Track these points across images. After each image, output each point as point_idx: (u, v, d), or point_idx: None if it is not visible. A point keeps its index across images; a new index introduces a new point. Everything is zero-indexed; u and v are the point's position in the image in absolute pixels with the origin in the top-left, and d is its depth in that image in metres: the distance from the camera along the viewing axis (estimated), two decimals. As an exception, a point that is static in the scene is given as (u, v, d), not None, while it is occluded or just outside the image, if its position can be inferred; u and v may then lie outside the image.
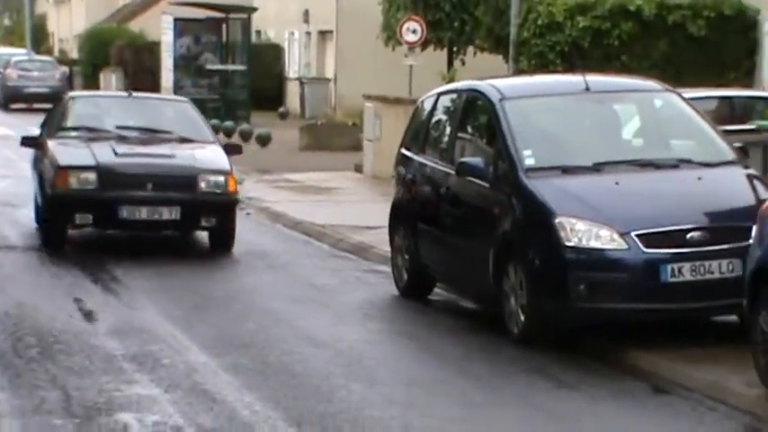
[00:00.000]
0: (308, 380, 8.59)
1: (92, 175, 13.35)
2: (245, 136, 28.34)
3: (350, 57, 38.51)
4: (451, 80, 21.15)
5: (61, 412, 7.76)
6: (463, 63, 31.22)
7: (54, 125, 14.77)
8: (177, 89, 33.96)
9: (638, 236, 9.20)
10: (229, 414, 7.79)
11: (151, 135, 14.46)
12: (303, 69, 42.18)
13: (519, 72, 21.07)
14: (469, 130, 11.12)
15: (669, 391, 8.40)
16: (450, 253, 10.82)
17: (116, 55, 47.33)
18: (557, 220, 9.34)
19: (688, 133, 10.53)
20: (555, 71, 19.43)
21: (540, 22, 21.28)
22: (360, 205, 18.21)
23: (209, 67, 35.20)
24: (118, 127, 14.46)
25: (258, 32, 44.07)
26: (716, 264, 9.19)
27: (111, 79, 45.87)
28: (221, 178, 13.58)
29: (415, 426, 7.66)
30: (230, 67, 35.09)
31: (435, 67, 27.07)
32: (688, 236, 9.23)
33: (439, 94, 11.79)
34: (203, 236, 14.28)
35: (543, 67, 20.77)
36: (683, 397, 8.25)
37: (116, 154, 13.62)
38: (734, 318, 9.54)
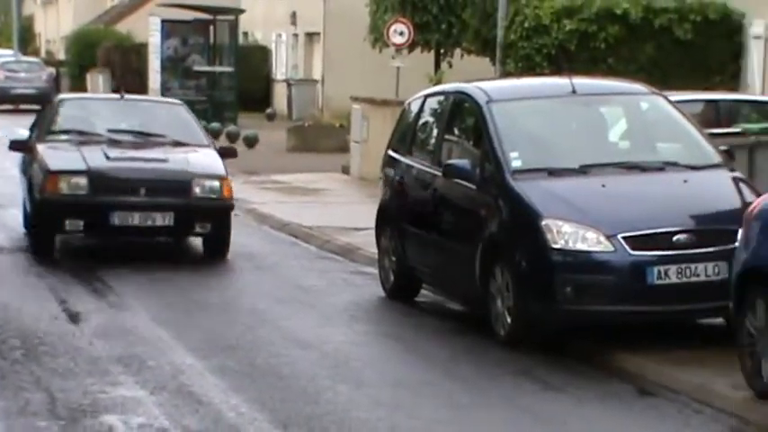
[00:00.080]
0: (294, 381, 8.58)
1: (82, 180, 13.03)
2: (233, 137, 28.32)
3: (337, 58, 38.51)
4: (438, 82, 21.16)
5: (46, 414, 7.74)
6: (450, 65, 31.23)
7: (43, 128, 14.40)
8: (164, 91, 33.93)
9: (624, 238, 9.21)
10: (215, 416, 7.77)
11: (144, 139, 14.12)
12: (290, 71, 42.17)
13: (506, 74, 21.10)
14: (456, 132, 11.12)
15: (655, 393, 8.41)
16: (437, 255, 10.82)
17: (103, 56, 47.27)
18: (543, 222, 9.35)
19: (674, 136, 10.55)
20: (542, 74, 19.45)
21: (526, 24, 21.30)
22: (347, 207, 18.20)
23: (196, 68, 35.16)
24: (109, 130, 14.13)
25: (245, 34, 44.06)
26: (702, 266, 9.21)
27: (98, 80, 45.81)
28: (216, 183, 13.28)
29: (401, 427, 7.66)
30: (218, 68, 35.05)
31: (422, 69, 27.08)
32: (674, 238, 9.24)
33: (426, 96, 11.79)
34: (193, 239, 14.16)
35: (530, 69, 20.79)
36: (670, 399, 8.26)
37: (108, 158, 13.29)
38: (720, 320, 9.56)
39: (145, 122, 14.50)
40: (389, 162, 12.00)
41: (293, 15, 42.18)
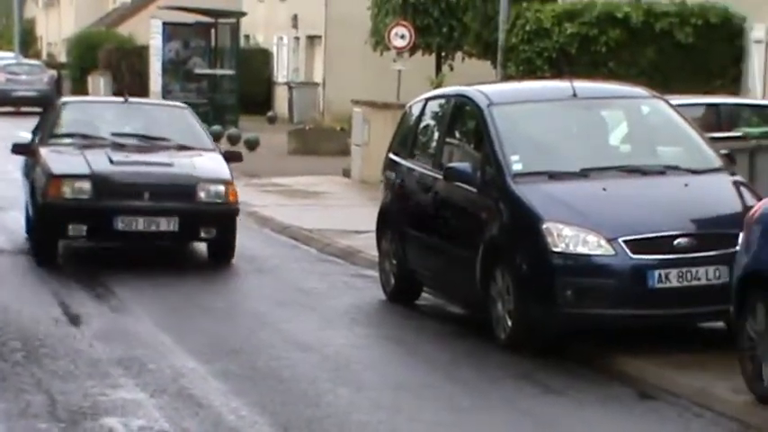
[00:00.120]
0: (295, 385, 8.58)
1: (86, 184, 12.81)
2: (234, 140, 28.32)
3: (338, 62, 38.53)
4: (439, 85, 21.16)
5: (46, 416, 7.74)
6: (451, 68, 31.27)
7: (46, 132, 14.18)
8: (165, 93, 33.94)
9: (625, 242, 9.21)
10: (215, 419, 7.78)
11: (148, 142, 13.91)
12: (291, 74, 42.20)
13: (507, 78, 21.10)
14: (457, 135, 11.13)
15: (656, 396, 8.41)
16: (438, 258, 10.82)
17: (104, 59, 47.30)
18: (544, 226, 9.35)
19: (675, 140, 10.55)
20: (543, 77, 19.45)
21: (528, 28, 21.31)
22: (348, 210, 18.21)
23: (197, 71, 35.18)
24: (113, 134, 13.90)
25: (247, 37, 44.09)
26: (703, 270, 9.21)
27: (99, 83, 45.84)
28: (221, 187, 13.08)
29: (402, 430, 7.66)
30: (219, 71, 35.07)
31: (423, 73, 27.10)
32: (675, 242, 9.24)
33: (427, 100, 11.80)
34: (197, 243, 13.96)
35: (531, 73, 20.79)
36: (670, 403, 8.26)
37: (111, 162, 13.08)
38: (721, 324, 9.56)
39: (149, 126, 14.31)
40: (390, 165, 12.00)
41: (294, 18, 42.21)
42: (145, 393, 8.29)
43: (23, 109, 43.22)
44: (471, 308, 10.57)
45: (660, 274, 9.16)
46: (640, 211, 9.49)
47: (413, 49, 29.28)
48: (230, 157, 13.99)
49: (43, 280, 12.54)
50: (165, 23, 35.74)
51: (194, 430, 7.53)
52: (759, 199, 9.04)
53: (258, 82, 41.79)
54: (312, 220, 16.71)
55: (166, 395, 8.26)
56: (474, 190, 10.13)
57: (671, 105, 10.79)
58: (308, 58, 42.02)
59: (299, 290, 12.48)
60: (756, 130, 13.87)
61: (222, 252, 13.43)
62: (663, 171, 10.04)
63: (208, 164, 13.45)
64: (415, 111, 11.87)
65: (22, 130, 29.93)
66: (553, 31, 20.99)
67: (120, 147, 13.56)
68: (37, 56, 63.72)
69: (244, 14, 37.57)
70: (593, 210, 9.47)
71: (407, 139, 11.86)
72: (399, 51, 27.57)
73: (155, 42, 36.29)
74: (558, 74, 19.40)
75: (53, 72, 46.64)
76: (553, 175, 9.85)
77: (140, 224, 12.75)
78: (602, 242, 9.23)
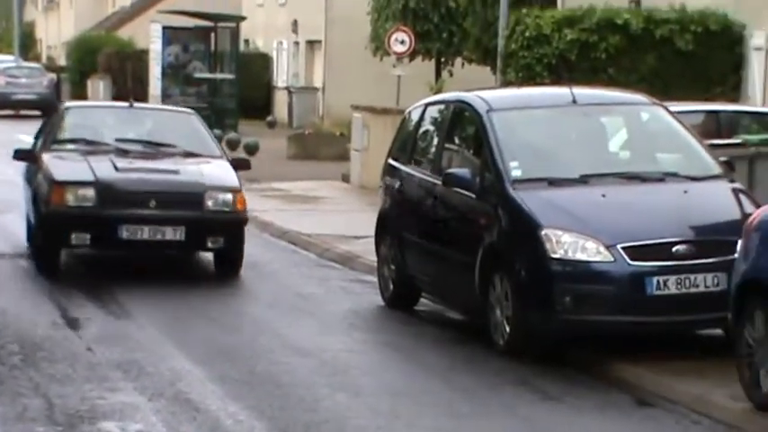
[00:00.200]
0: (293, 389, 8.57)
1: (90, 192, 12.41)
2: (233, 145, 28.32)
3: (338, 67, 38.55)
4: (439, 91, 21.17)
5: (44, 420, 7.73)
6: (451, 74, 31.28)
7: (49, 137, 13.79)
8: (165, 97, 33.94)
9: (623, 248, 9.21)
10: (213, 423, 7.77)
11: (154, 149, 13.50)
12: (291, 79, 42.21)
13: (506, 84, 21.10)
14: (456, 141, 11.13)
15: (654, 403, 8.41)
16: (437, 264, 10.81)
17: (104, 62, 47.33)
18: (543, 232, 9.35)
19: (674, 147, 10.55)
20: (542, 83, 19.45)
21: (527, 34, 21.31)
22: (347, 215, 18.21)
23: (197, 75, 35.17)
24: (118, 140, 13.53)
25: (247, 41, 44.10)
26: (701, 277, 9.21)
27: (98, 87, 45.85)
28: (229, 196, 12.64)
29: (399, 436, 7.65)
30: (218, 75, 35.07)
31: (423, 78, 27.10)
32: (674, 249, 9.24)
33: (426, 105, 11.80)
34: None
35: (531, 79, 20.79)
36: (668, 410, 8.26)
37: (116, 169, 12.68)
38: (719, 331, 9.55)
39: (154, 132, 13.95)
40: (389, 171, 12.00)
41: (294, 23, 42.23)
42: (143, 397, 8.28)
43: (23, 112, 43.24)
44: (470, 314, 10.56)
45: (659, 281, 9.15)
46: (639, 217, 9.49)
47: (412, 55, 29.28)
48: (238, 165, 13.55)
49: (41, 283, 12.52)
50: (164, 27, 35.74)
51: (192, 435, 7.53)
52: (758, 206, 9.04)
53: (258, 86, 41.79)
54: (311, 225, 16.71)
55: (164, 399, 8.25)
56: (473, 196, 10.13)
57: (670, 112, 10.80)
58: (308, 63, 42.03)
59: (298, 295, 12.47)
60: (756, 137, 13.90)
61: (229, 262, 13.04)
62: (662, 178, 10.05)
63: (215, 171, 13.06)
64: (415, 116, 11.87)
65: (22, 133, 29.94)
66: (553, 38, 21.00)
67: (124, 153, 13.20)
68: (37, 59, 63.75)
69: (243, 19, 37.58)
70: (592, 216, 9.47)
71: (407, 144, 11.86)
72: (399, 57, 27.58)
73: (154, 46, 36.29)
74: (557, 80, 19.40)
75: (53, 75, 46.65)
76: (552, 182, 9.85)
77: (146, 233, 12.38)
78: (601, 249, 9.23)
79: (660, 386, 8.60)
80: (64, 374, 8.82)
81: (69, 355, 9.44)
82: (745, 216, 8.98)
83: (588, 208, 9.57)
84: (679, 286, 9.18)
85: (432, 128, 11.55)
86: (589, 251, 9.24)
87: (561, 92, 10.88)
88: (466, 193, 10.21)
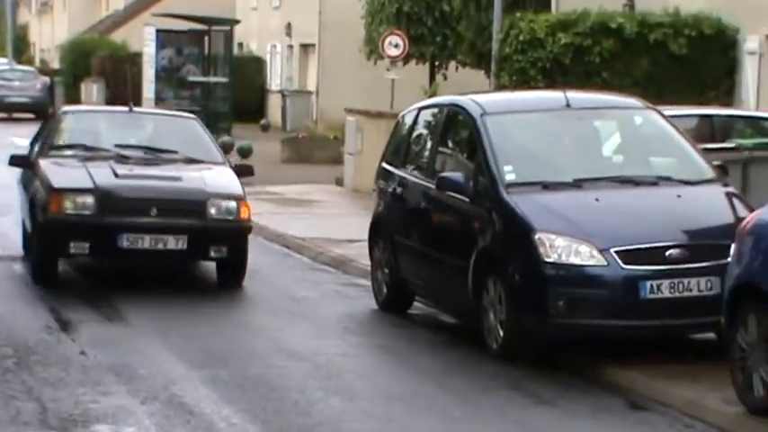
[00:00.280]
0: (286, 393, 8.57)
1: (89, 199, 12.01)
2: (227, 148, 28.24)
3: (332, 70, 38.56)
4: (433, 95, 21.17)
5: (37, 424, 7.72)
6: (445, 78, 31.30)
7: (46, 143, 13.35)
8: (158, 101, 33.92)
9: (617, 252, 9.22)
10: (206, 427, 7.76)
11: (154, 155, 13.07)
12: (285, 82, 42.21)
13: (500, 88, 21.11)
14: (450, 144, 11.13)
15: (647, 407, 8.41)
16: (430, 267, 10.82)
17: (98, 66, 47.30)
18: (536, 236, 9.36)
19: (668, 151, 10.56)
20: (536, 87, 19.46)
21: (521, 38, 21.32)
22: (340, 218, 18.21)
23: (190, 78, 35.16)
24: (117, 145, 13.12)
25: (240, 45, 44.09)
26: (695, 281, 9.21)
27: (92, 90, 45.82)
28: (233, 204, 12.24)
29: (392, 440, 7.65)
30: (212, 79, 35.05)
31: (417, 82, 27.13)
32: (667, 253, 9.25)
33: (420, 109, 11.81)
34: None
35: (525, 83, 20.79)
36: (661, 413, 8.27)
37: (116, 175, 12.29)
38: (712, 335, 9.56)
39: (155, 137, 13.55)
40: (383, 174, 12.00)
41: (288, 27, 42.23)
42: (136, 401, 8.28)
43: (16, 115, 43.20)
44: (463, 317, 10.57)
45: (652, 285, 9.16)
46: (633, 221, 9.50)
47: (406, 59, 29.30)
48: (241, 171, 13.20)
49: (35, 287, 12.48)
50: (158, 31, 35.72)
51: (185, 438, 7.52)
52: (751, 210, 9.05)
53: (251, 90, 41.79)
54: (305, 229, 16.71)
55: (158, 402, 8.24)
56: (467, 200, 10.13)
57: (664, 116, 10.81)
58: (302, 67, 42.04)
59: (292, 298, 12.47)
60: (749, 141, 13.90)
61: (232, 272, 12.61)
62: (655, 182, 10.05)
63: (218, 178, 12.68)
64: (409, 120, 11.88)
65: (15, 136, 29.91)
66: (547, 42, 21.00)
67: (124, 159, 12.80)
68: (30, 62, 63.73)
69: (237, 22, 37.58)
70: (586, 220, 9.48)
71: (400, 148, 11.87)
72: (393, 60, 27.60)
73: (148, 49, 36.26)
74: (551, 84, 19.41)
75: (46, 78, 46.64)
76: (546, 186, 9.85)
77: (147, 242, 11.99)
78: (595, 252, 9.23)
79: (653, 390, 8.61)
80: (57, 378, 8.81)
81: (63, 358, 9.43)
82: (739, 220, 8.99)
83: (582, 212, 9.58)
84: (672, 290, 9.18)
85: (425, 131, 11.56)
86: (582, 255, 9.25)
87: (555, 96, 10.89)
88: (459, 196, 10.21)
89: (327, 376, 9.14)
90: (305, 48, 41.68)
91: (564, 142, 10.55)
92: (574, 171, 10.01)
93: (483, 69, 26.33)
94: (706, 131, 14.46)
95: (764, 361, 7.75)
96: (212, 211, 12.17)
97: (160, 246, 12.02)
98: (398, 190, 11.54)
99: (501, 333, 9.57)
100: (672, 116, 11.20)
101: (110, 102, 42.45)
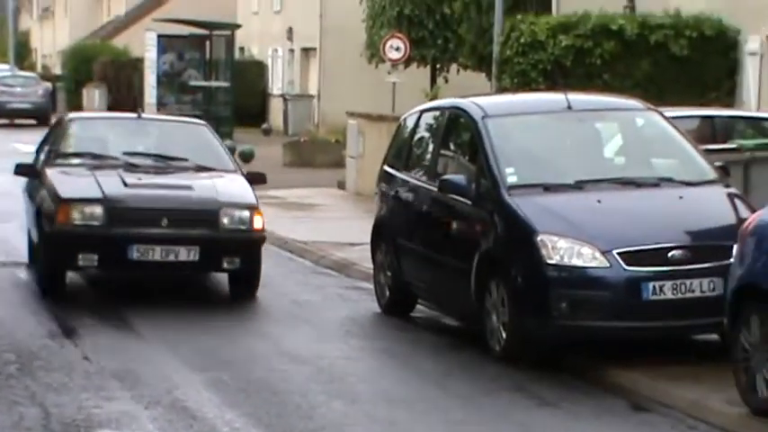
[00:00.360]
0: (289, 397, 8.57)
1: (98, 210, 11.62)
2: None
3: (333, 74, 38.58)
4: (434, 98, 21.16)
5: (40, 429, 7.72)
6: (446, 81, 31.31)
7: (52, 151, 12.98)
8: (160, 106, 33.95)
9: (619, 254, 9.22)
10: (209, 431, 7.76)
11: (164, 163, 12.67)
12: (286, 86, 42.24)
13: (502, 90, 21.11)
14: (452, 147, 11.14)
15: (650, 409, 8.41)
16: (433, 270, 10.82)
17: (99, 71, 47.34)
18: (538, 238, 9.35)
19: (669, 152, 10.56)
20: (537, 89, 19.47)
21: (522, 40, 21.32)
22: (342, 222, 18.21)
23: (192, 83, 35.19)
24: (126, 153, 12.69)
25: (242, 49, 44.13)
26: (697, 282, 9.21)
27: (94, 95, 45.87)
28: (246, 213, 11.83)
29: (396, 443, 7.65)
30: (214, 83, 35.08)
31: (418, 85, 27.13)
32: (669, 254, 9.25)
33: (422, 112, 11.81)
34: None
35: (526, 85, 20.79)
36: (664, 415, 8.26)
37: (125, 185, 11.90)
38: (715, 336, 9.56)
39: (164, 144, 13.13)
40: (385, 177, 12.01)
41: (289, 31, 42.25)
42: (139, 406, 8.28)
43: (18, 121, 43.24)
44: (466, 320, 10.56)
45: (655, 287, 9.16)
46: (635, 223, 9.49)
47: (408, 62, 29.33)
48: (254, 179, 12.76)
49: (38, 293, 12.49)
50: (159, 36, 35.77)
51: (188, 443, 7.53)
52: (753, 211, 9.05)
53: (253, 94, 41.83)
54: (307, 233, 16.71)
55: (161, 407, 8.25)
56: (469, 202, 10.14)
57: (665, 117, 10.81)
58: (303, 71, 42.06)
59: (294, 302, 12.47)
60: (751, 142, 13.89)
61: (246, 284, 12.25)
62: (657, 183, 10.05)
63: (231, 187, 12.26)
64: (410, 123, 11.88)
65: (18, 142, 29.93)
66: (548, 44, 21.01)
67: (133, 167, 12.39)
68: (32, 68, 63.77)
69: (238, 26, 37.61)
70: (588, 222, 9.48)
71: (402, 151, 11.87)
72: (394, 63, 27.62)
73: (150, 55, 36.32)
74: (552, 86, 19.42)
75: (48, 84, 46.68)
76: (548, 188, 9.86)
77: (157, 254, 11.59)
78: (597, 254, 9.23)
79: (656, 391, 8.61)
80: (60, 383, 8.81)
81: (66, 364, 9.43)
82: (741, 221, 8.98)
83: (584, 214, 9.58)
84: (675, 291, 9.18)
85: (427, 134, 11.56)
86: (585, 257, 9.25)
87: (556, 98, 10.89)
88: (461, 199, 10.21)
89: (330, 380, 9.14)
90: (306, 52, 41.70)
91: (565, 144, 10.55)
92: (575, 173, 10.01)
93: (484, 72, 26.34)
94: (707, 132, 14.46)
95: (767, 361, 7.74)
96: (225, 220, 11.78)
97: (171, 257, 11.64)
98: (400, 193, 11.54)
99: (504, 335, 9.56)
100: (673, 117, 11.20)
101: (112, 107, 42.51)
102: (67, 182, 12.18)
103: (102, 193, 11.80)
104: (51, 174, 12.44)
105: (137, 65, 41.78)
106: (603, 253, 9.23)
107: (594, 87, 18.92)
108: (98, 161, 12.62)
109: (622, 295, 9.17)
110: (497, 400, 8.67)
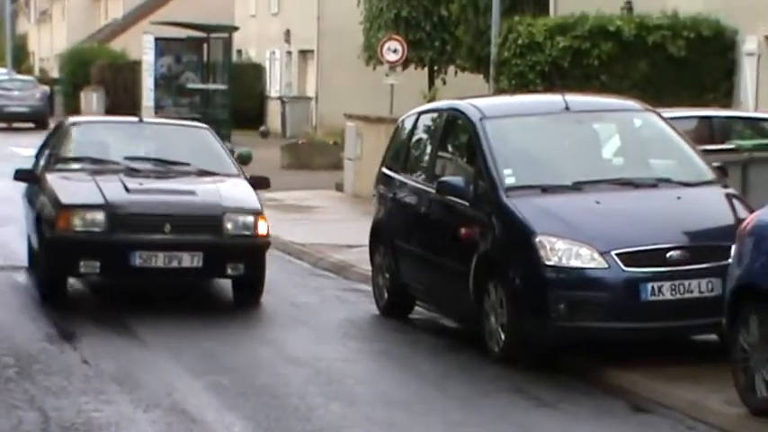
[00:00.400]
0: (288, 399, 8.57)
1: (99, 216, 11.42)
2: (226, 155, 28.31)
3: (331, 76, 38.58)
4: (432, 99, 21.19)
5: (39, 432, 7.72)
6: (444, 82, 31.33)
7: (53, 155, 12.78)
8: (158, 108, 33.95)
9: (618, 255, 9.22)
10: (209, 434, 7.77)
11: (166, 167, 12.47)
12: (284, 88, 42.23)
13: (499, 91, 21.12)
14: (450, 149, 11.14)
15: (649, 409, 8.41)
16: (431, 272, 10.82)
17: (97, 74, 47.33)
18: (537, 239, 9.36)
19: (667, 153, 10.56)
20: (535, 91, 19.46)
21: (520, 42, 21.33)
22: (340, 224, 18.21)
23: (190, 86, 35.18)
24: (127, 158, 12.52)
25: (239, 52, 44.12)
26: (695, 283, 9.21)
27: (92, 98, 45.86)
28: (250, 218, 11.69)
29: (395, 445, 7.65)
30: (211, 86, 35.07)
31: (416, 87, 27.14)
32: (668, 255, 9.25)
33: (420, 114, 11.81)
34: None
35: (523, 86, 20.80)
36: (663, 415, 8.26)
37: (127, 190, 11.71)
38: (714, 337, 9.56)
39: (166, 149, 12.89)
40: (383, 179, 12.01)
41: (287, 33, 42.26)
42: (138, 409, 8.27)
43: (15, 125, 43.22)
44: (464, 321, 10.56)
45: (653, 287, 9.16)
46: (633, 223, 9.50)
47: (405, 64, 29.31)
48: (257, 183, 12.58)
49: (37, 297, 12.49)
50: (157, 39, 35.75)
51: (187, 446, 7.52)
52: (751, 211, 9.05)
53: (251, 96, 41.82)
54: (305, 235, 16.71)
55: (160, 410, 8.24)
56: (467, 204, 10.14)
57: (663, 118, 10.81)
58: (301, 73, 42.06)
59: (292, 304, 12.47)
60: (749, 142, 13.89)
61: (250, 291, 12.08)
62: (655, 184, 10.06)
63: (234, 191, 12.07)
64: (408, 125, 11.88)
65: (15, 146, 29.92)
66: (545, 45, 21.01)
67: (135, 172, 12.21)
68: (29, 71, 63.79)
69: (236, 29, 37.59)
70: (586, 223, 9.48)
71: (400, 153, 11.87)
72: (392, 65, 27.61)
73: (147, 57, 36.30)
74: (550, 87, 19.42)
75: (46, 88, 46.69)
76: (546, 189, 9.86)
77: (160, 260, 11.41)
78: (595, 255, 9.23)
79: (655, 392, 8.61)
80: (59, 387, 8.81)
81: (65, 367, 9.42)
82: (739, 221, 8.99)
83: (582, 215, 9.58)
84: (673, 292, 9.18)
85: (425, 136, 11.56)
86: (583, 258, 9.25)
87: (554, 99, 10.90)
88: (460, 201, 10.22)
89: (328, 382, 9.13)
90: (304, 54, 41.70)
91: (563, 145, 10.55)
92: (573, 174, 10.01)
93: (482, 73, 26.33)
94: (705, 133, 14.46)
95: (766, 362, 7.74)
96: (229, 226, 11.61)
97: (174, 263, 11.46)
98: (398, 195, 11.54)
99: (502, 337, 9.56)
100: (671, 118, 11.20)
101: (110, 110, 42.49)
102: (68, 187, 12.01)
103: (104, 198, 11.63)
104: (52, 179, 12.28)
105: (134, 68, 41.77)
106: (602, 254, 9.23)
107: (592, 88, 18.92)
108: (99, 166, 12.46)
109: (621, 296, 9.17)
110: (496, 401, 8.66)
